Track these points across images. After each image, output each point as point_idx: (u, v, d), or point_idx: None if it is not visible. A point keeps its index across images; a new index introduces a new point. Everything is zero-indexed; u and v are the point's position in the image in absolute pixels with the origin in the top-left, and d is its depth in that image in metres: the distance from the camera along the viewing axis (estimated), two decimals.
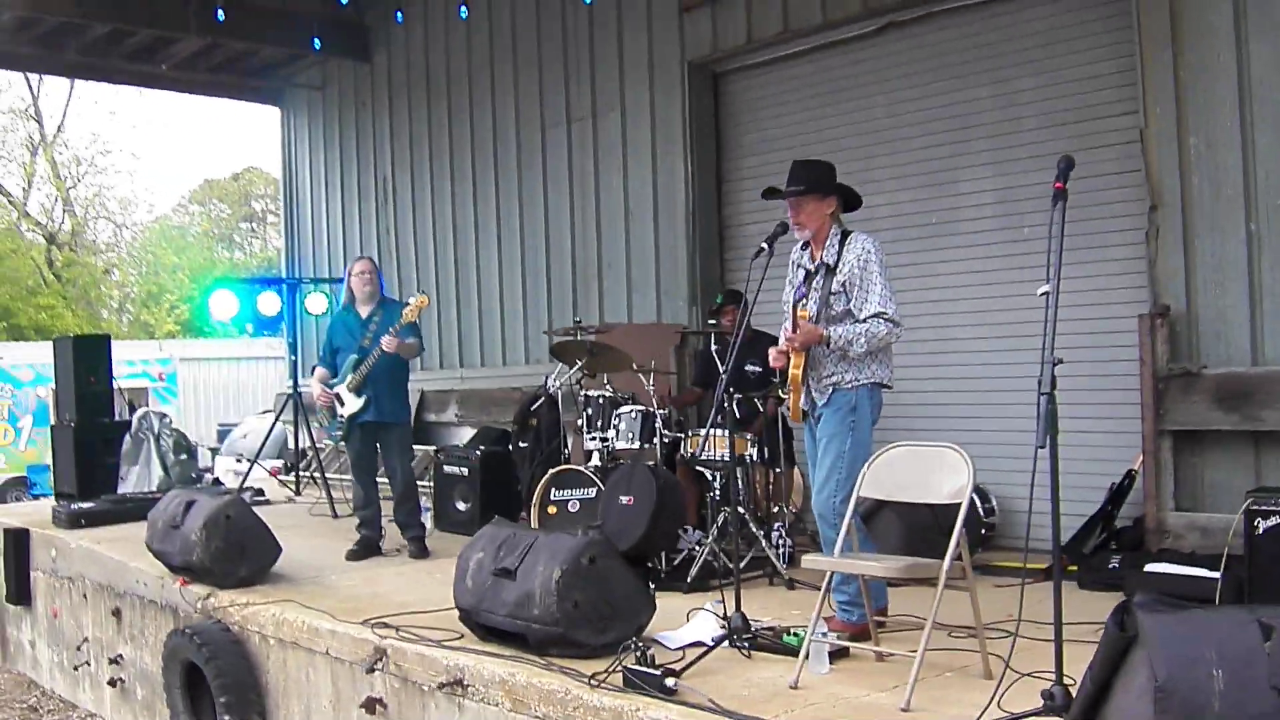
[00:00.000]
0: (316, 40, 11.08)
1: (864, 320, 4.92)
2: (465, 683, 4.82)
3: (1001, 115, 7.20)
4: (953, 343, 7.48)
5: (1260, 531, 5.17)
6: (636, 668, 4.30)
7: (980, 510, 7.03)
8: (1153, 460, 6.21)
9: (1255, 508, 5.19)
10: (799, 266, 5.20)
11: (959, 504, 4.36)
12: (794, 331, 4.95)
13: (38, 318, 35.17)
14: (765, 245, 4.99)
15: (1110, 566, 5.96)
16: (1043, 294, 3.70)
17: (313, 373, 7.96)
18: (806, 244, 5.17)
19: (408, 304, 7.34)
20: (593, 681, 4.38)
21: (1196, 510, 6.13)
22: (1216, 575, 5.33)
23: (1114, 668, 3.15)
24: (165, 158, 54.18)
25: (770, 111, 8.62)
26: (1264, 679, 2.92)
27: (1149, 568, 5.64)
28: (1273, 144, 5.92)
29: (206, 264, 40.18)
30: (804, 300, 5.06)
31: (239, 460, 14.57)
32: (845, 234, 5.08)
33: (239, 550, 6.63)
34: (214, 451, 18.37)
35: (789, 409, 5.09)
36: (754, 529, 6.53)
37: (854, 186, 7.92)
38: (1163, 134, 6.28)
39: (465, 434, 10.71)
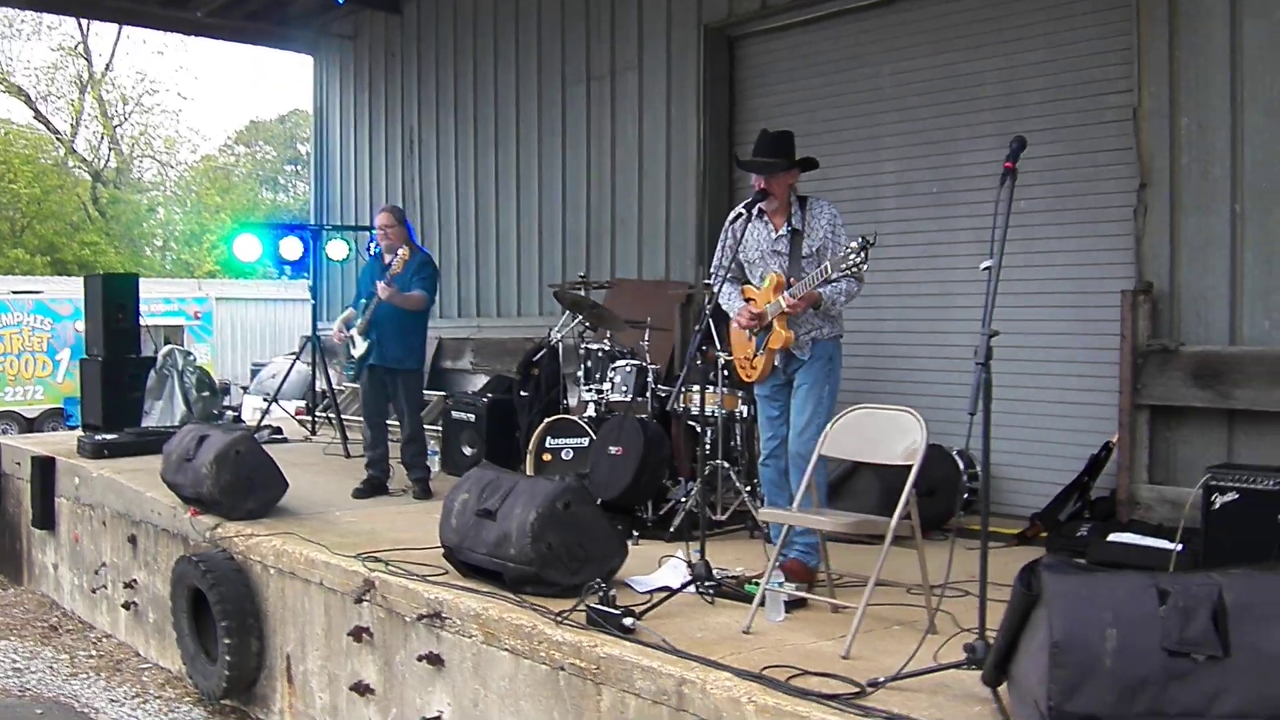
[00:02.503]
0: None
1: (838, 281, 5.10)
2: (444, 615, 5.09)
3: (1006, 88, 7.29)
4: (952, 310, 7.60)
5: (1216, 506, 5.34)
6: (599, 607, 4.55)
7: (964, 475, 7.20)
8: (1128, 433, 6.36)
9: (1213, 483, 5.35)
10: (744, 233, 5.30)
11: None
12: (792, 296, 5.09)
13: (81, 253, 35.74)
14: (744, 210, 5.18)
15: (1078, 535, 6.12)
16: (985, 269, 3.86)
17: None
18: (752, 213, 5.29)
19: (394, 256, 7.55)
20: (558, 618, 4.64)
21: (1169, 484, 6.28)
22: (1175, 547, 5.51)
23: (1021, 624, 3.36)
24: (212, 98, 54.66)
25: (782, 77, 8.74)
26: (1156, 641, 3.11)
27: (1111, 537, 5.81)
28: (1261, 126, 6.01)
29: (250, 205, 40.60)
30: (764, 267, 5.27)
31: (265, 399, 14.95)
32: (802, 199, 5.26)
33: (247, 484, 6.93)
34: (245, 390, 18.82)
35: (755, 369, 5.28)
36: (738, 483, 6.76)
37: (860, 154, 8.15)
38: (1156, 112, 6.37)
39: (479, 381, 10.98)
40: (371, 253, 7.99)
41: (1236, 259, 6.11)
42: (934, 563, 4.65)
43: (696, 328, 5.11)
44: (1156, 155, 6.37)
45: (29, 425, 19.93)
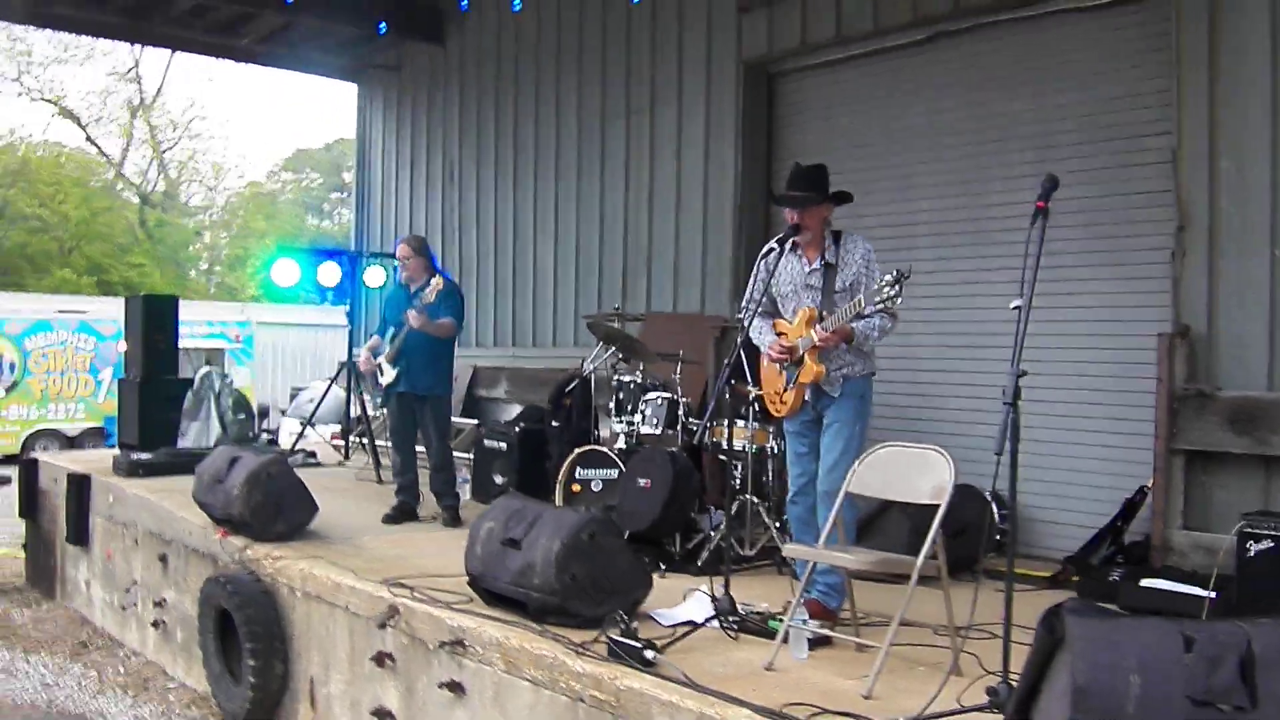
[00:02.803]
0: (383, 24, 11.40)
1: (871, 316, 5.08)
2: (466, 643, 5.09)
3: (1040, 129, 7.28)
4: (986, 350, 7.55)
5: (1251, 554, 5.27)
6: (620, 639, 4.53)
7: (996, 515, 7.14)
8: (1163, 478, 6.29)
9: (1248, 530, 5.29)
10: (778, 267, 5.31)
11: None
12: (824, 330, 5.08)
13: (128, 275, 36.25)
14: (776, 245, 5.18)
15: (1110, 579, 6.04)
16: (1015, 308, 3.83)
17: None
18: (786, 247, 5.30)
19: (426, 287, 7.61)
20: (579, 649, 4.63)
21: (1204, 530, 6.20)
22: (1208, 594, 5.42)
23: (1043, 669, 3.30)
24: (260, 126, 55.40)
25: (820, 113, 8.77)
26: (1180, 688, 3.05)
27: (1143, 583, 5.72)
28: None
29: (294, 231, 41.08)
30: (797, 301, 5.27)
31: (302, 423, 15.08)
32: (836, 234, 5.26)
33: (277, 507, 6.97)
34: (283, 413, 18.96)
35: (785, 405, 5.26)
36: (766, 518, 6.73)
37: (894, 191, 8.14)
38: (1195, 155, 6.34)
39: (513, 410, 11.00)
40: (395, 281, 8.06)
41: (1276, 303, 6.05)
42: (961, 604, 4.61)
43: (726, 361, 5.10)
44: (1195, 198, 6.33)
45: (70, 443, 20.17)
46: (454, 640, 5.14)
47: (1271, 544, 5.22)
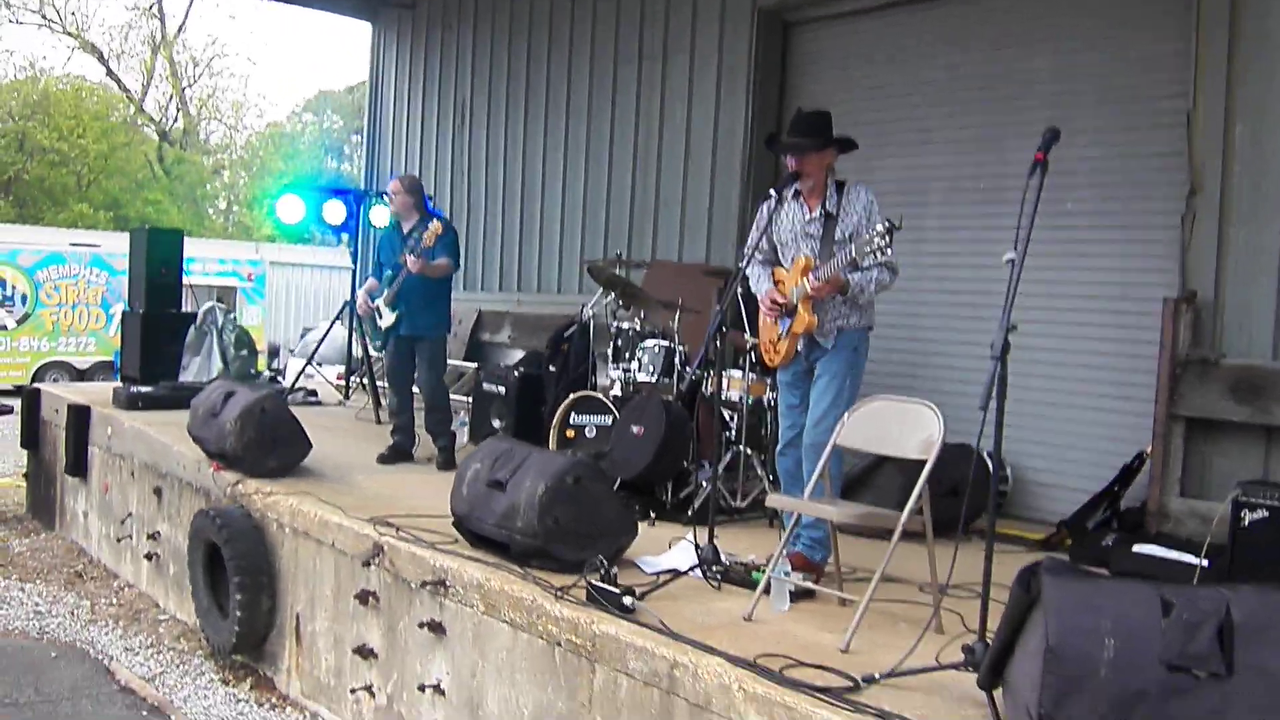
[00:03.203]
0: None
1: (870, 268, 4.99)
2: (447, 584, 5.07)
3: (1058, 87, 7.13)
4: (993, 308, 7.41)
5: (1245, 523, 5.20)
6: (599, 585, 4.50)
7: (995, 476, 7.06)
8: (1162, 444, 6.20)
9: (1242, 499, 5.23)
10: (779, 214, 5.25)
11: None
12: (817, 279, 5.00)
13: (145, 211, 36.27)
14: (774, 192, 5.09)
15: (1103, 544, 5.98)
16: (1008, 261, 3.75)
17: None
18: (787, 194, 5.22)
19: (426, 228, 7.55)
20: (558, 594, 4.60)
21: (1201, 498, 6.12)
22: (1200, 562, 5.37)
23: (1018, 627, 3.25)
24: (282, 66, 55.17)
25: (835, 65, 8.62)
26: (1155, 653, 3.00)
27: (1136, 548, 5.67)
28: None
29: (314, 172, 40.99)
30: (795, 249, 5.17)
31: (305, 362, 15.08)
32: (840, 183, 5.15)
33: (270, 442, 6.94)
34: (292, 353, 18.99)
35: (778, 353, 5.19)
36: (761, 470, 6.68)
37: (909, 145, 8.00)
38: (1210, 119, 6.20)
39: (516, 355, 10.95)
40: (390, 221, 8.00)
41: None
42: (948, 562, 4.54)
43: (716, 308, 5.02)
44: (1208, 163, 6.21)
45: (80, 376, 20.24)
46: (436, 580, 5.12)
47: (1266, 513, 5.15)
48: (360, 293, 8.14)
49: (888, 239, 4.56)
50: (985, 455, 6.97)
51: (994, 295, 7.23)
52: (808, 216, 5.17)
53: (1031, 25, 7.34)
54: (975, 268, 7.54)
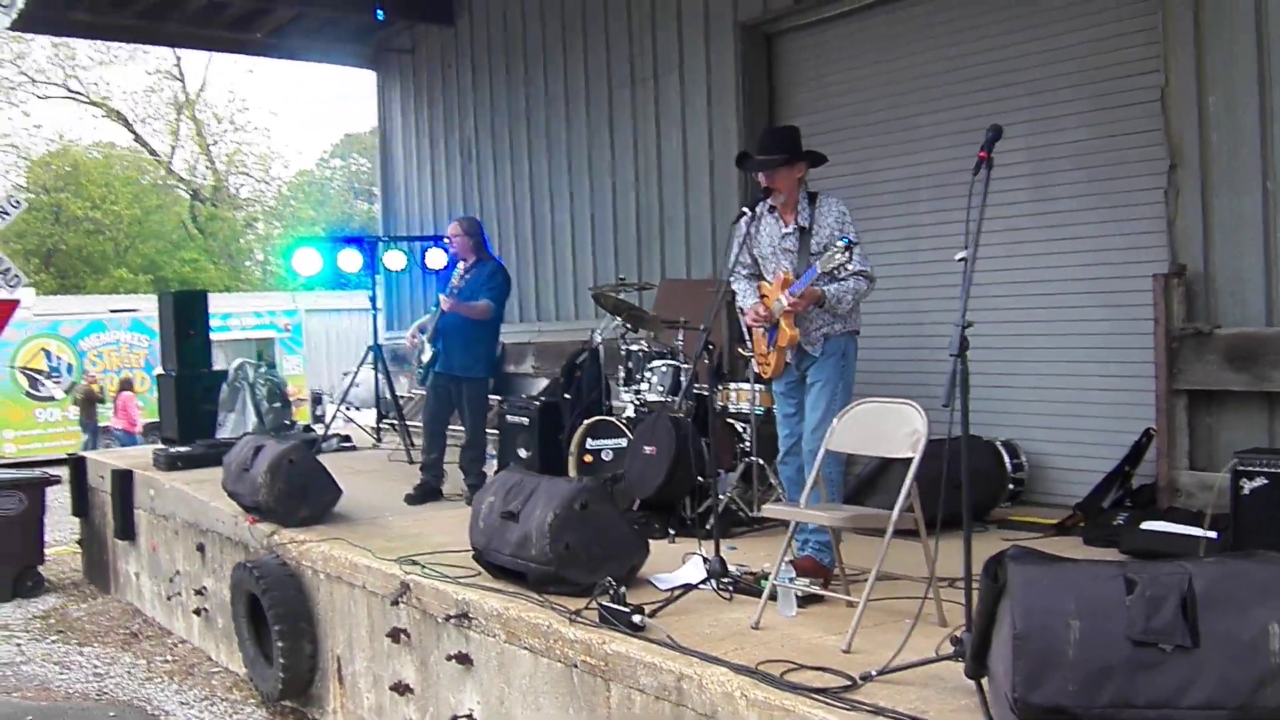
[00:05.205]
0: (380, 10, 11.48)
1: (846, 279, 5.14)
2: (470, 616, 5.24)
3: (1041, 72, 7.19)
4: (988, 300, 7.53)
5: (1245, 492, 5.25)
6: (610, 605, 4.65)
7: (1008, 465, 7.16)
8: (1166, 419, 6.26)
9: (1241, 468, 5.28)
10: (757, 229, 5.40)
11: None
12: (792, 295, 5.15)
13: (182, 270, 36.93)
14: (747, 210, 5.24)
15: (1115, 523, 6.06)
16: (960, 259, 3.87)
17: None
18: (762, 210, 5.37)
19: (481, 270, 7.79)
20: (572, 617, 4.76)
21: (1209, 470, 6.17)
22: (1209, 534, 5.43)
23: (990, 616, 3.38)
24: (306, 114, 55.91)
25: (820, 70, 8.74)
26: (1120, 630, 3.11)
27: (1144, 525, 5.73)
28: None
29: (343, 216, 41.49)
30: (775, 263, 5.32)
31: (347, 408, 15.35)
32: (812, 196, 5.30)
33: (300, 492, 7.16)
34: (331, 400, 19.30)
35: (769, 365, 5.34)
36: (774, 480, 6.80)
37: (898, 145, 8.12)
38: (1182, 92, 6.27)
39: (540, 385, 11.13)
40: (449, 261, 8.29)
41: (1270, 238, 5.99)
42: (950, 556, 4.65)
43: (702, 327, 5.17)
44: (1185, 136, 6.27)
45: (131, 439, 20.69)
46: (460, 614, 5.29)
47: (1266, 480, 5.19)
48: (412, 327, 8.39)
49: (848, 254, 4.73)
50: (999, 445, 7.13)
51: (988, 287, 7.41)
52: (783, 231, 5.33)
53: (1010, 11, 7.41)
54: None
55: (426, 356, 7.93)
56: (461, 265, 8.02)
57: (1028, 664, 3.11)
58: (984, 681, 3.59)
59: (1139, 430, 6.63)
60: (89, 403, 19.07)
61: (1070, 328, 7.08)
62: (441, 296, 7.71)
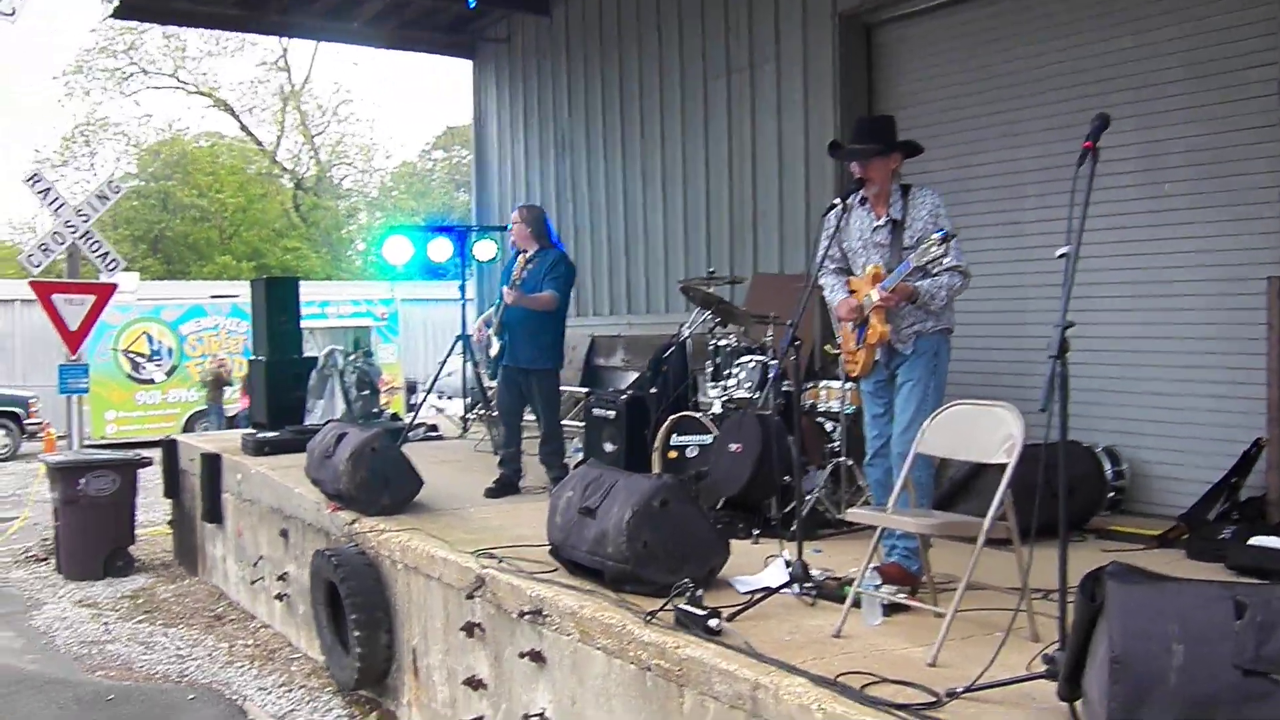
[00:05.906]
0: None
1: (939, 275, 4.93)
2: (544, 613, 5.13)
3: (1145, 66, 6.92)
4: (1092, 300, 7.25)
5: None
6: (687, 608, 4.51)
7: (1109, 473, 6.88)
8: (1278, 429, 5.94)
9: None
10: (848, 222, 5.21)
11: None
12: (885, 289, 4.97)
13: (284, 259, 37.61)
14: (839, 201, 5.05)
15: (1220, 537, 5.76)
16: (1061, 256, 3.65)
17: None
18: (853, 202, 5.18)
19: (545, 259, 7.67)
20: (647, 618, 4.62)
21: None
22: None
23: (1086, 636, 3.17)
24: (410, 106, 56.59)
25: (919, 64, 8.50)
26: (1227, 657, 2.89)
27: (1252, 541, 5.43)
28: None
29: (445, 207, 41.89)
30: (865, 257, 5.12)
31: (440, 397, 15.41)
32: (905, 188, 5.09)
33: (382, 481, 7.12)
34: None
35: (857, 363, 5.15)
36: (863, 482, 6.59)
37: (999, 139, 7.86)
38: None
39: (629, 378, 11.02)
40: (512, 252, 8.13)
41: None
42: (1045, 566, 4.42)
43: (789, 323, 4.99)
44: None
45: (229, 423, 21.07)
46: (534, 610, 5.19)
47: None
48: (478, 321, 8.33)
49: (944, 248, 4.51)
50: (1099, 451, 6.84)
51: (1095, 287, 7.15)
52: (874, 224, 5.13)
53: (1110, 5, 7.12)
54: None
55: (494, 350, 7.85)
56: (522, 256, 7.87)
57: (1125, 690, 2.90)
58: (1078, 705, 3.38)
59: (1248, 440, 6.31)
60: (217, 384, 19.29)
61: (1178, 330, 6.77)
62: (504, 289, 7.60)
